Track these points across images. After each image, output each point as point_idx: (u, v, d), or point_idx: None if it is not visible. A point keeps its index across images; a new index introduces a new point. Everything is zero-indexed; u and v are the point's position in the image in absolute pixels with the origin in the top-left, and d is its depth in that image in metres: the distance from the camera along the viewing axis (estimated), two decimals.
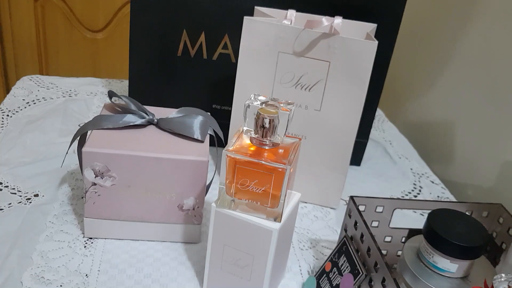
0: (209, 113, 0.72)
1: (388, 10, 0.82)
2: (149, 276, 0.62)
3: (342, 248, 0.61)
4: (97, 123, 0.65)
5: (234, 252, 0.56)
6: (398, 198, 0.76)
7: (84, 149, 0.61)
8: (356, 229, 0.60)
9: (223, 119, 0.80)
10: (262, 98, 0.54)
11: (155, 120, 0.68)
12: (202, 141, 0.66)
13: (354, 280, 0.56)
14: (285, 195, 0.53)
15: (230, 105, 0.79)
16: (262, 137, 0.53)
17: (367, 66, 0.70)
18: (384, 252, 0.66)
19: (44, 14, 1.63)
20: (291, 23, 0.75)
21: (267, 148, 0.53)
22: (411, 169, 0.98)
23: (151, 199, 0.64)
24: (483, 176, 0.90)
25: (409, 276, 0.56)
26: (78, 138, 0.68)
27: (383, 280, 0.52)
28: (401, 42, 0.98)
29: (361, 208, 0.63)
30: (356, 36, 0.71)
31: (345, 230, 0.64)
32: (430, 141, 1.08)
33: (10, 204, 0.70)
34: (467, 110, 0.97)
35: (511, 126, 0.85)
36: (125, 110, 0.69)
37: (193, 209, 0.66)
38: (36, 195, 0.73)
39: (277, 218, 0.54)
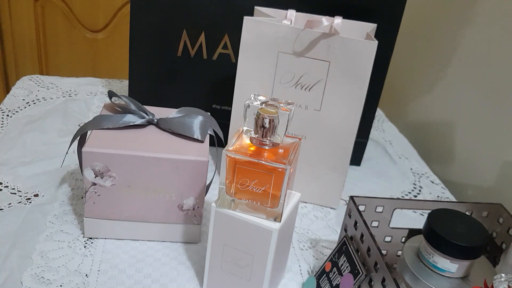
0: (209, 113, 0.72)
1: (388, 10, 0.82)
2: (149, 276, 0.62)
3: (342, 248, 0.61)
4: (97, 123, 0.65)
5: (234, 252, 0.56)
6: (398, 198, 0.76)
7: (84, 149, 0.61)
8: (356, 229, 0.60)
9: (223, 119, 0.80)
10: (262, 98, 0.54)
11: (155, 120, 0.68)
12: (202, 141, 0.66)
13: (354, 280, 0.56)
14: (285, 195, 0.53)
15: (230, 105, 0.79)
16: (262, 137, 0.53)
17: (367, 66, 0.70)
18: (384, 252, 0.66)
19: (44, 14, 1.62)
20: (291, 23, 0.75)
21: (267, 148, 0.53)
22: (411, 169, 0.98)
23: (151, 199, 0.64)
24: (483, 176, 0.90)
25: (409, 276, 0.56)
26: (78, 138, 0.68)
27: (383, 280, 0.52)
28: (401, 42, 0.98)
29: (361, 208, 0.63)
30: (356, 36, 0.71)
31: (345, 230, 0.64)
32: (430, 141, 1.08)
33: (10, 204, 0.70)
34: (467, 110, 0.97)
35: (511, 126, 0.85)
36: (125, 110, 0.69)
37: (193, 209, 0.66)
38: (36, 195, 0.73)
39: (277, 218, 0.54)
